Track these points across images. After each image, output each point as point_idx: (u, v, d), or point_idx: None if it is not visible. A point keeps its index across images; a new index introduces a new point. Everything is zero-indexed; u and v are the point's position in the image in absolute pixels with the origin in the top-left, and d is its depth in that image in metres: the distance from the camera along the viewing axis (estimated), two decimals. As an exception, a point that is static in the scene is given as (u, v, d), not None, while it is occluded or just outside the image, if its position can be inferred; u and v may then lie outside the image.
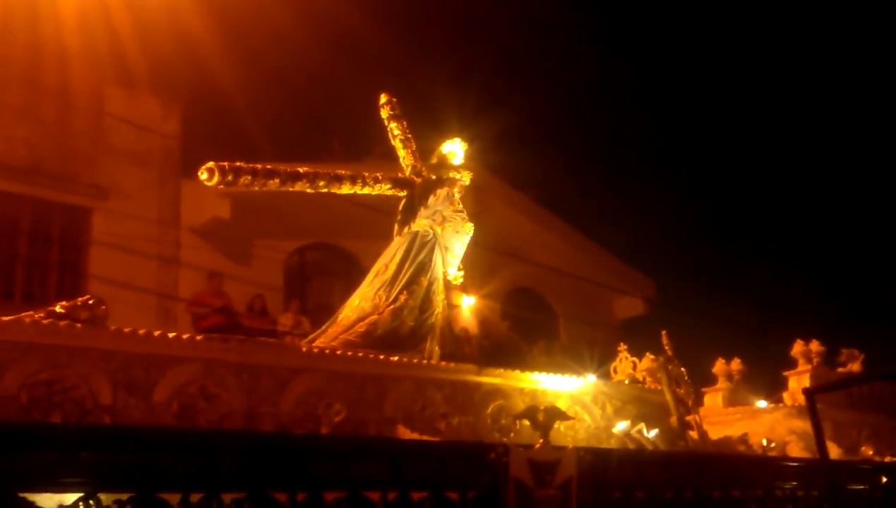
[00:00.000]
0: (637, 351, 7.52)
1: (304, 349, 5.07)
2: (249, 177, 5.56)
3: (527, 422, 4.72)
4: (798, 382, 10.04)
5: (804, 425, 8.15)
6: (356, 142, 14.68)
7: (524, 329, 14.39)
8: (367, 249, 13.62)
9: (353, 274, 14.30)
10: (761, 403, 9.61)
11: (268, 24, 13.07)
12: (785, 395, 10.02)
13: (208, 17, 11.20)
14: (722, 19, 22.14)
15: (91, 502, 3.04)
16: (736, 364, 10.36)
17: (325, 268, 14.52)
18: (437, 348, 6.13)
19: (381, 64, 16.89)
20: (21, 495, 2.93)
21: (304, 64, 14.35)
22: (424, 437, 4.73)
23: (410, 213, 6.44)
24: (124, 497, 3.15)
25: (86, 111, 11.90)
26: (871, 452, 8.61)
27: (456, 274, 6.66)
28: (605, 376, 7.57)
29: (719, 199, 21.56)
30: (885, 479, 6.30)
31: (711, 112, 21.85)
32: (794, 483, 5.53)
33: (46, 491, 3.00)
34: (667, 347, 6.96)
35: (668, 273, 17.89)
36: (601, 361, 10.14)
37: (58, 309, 4.06)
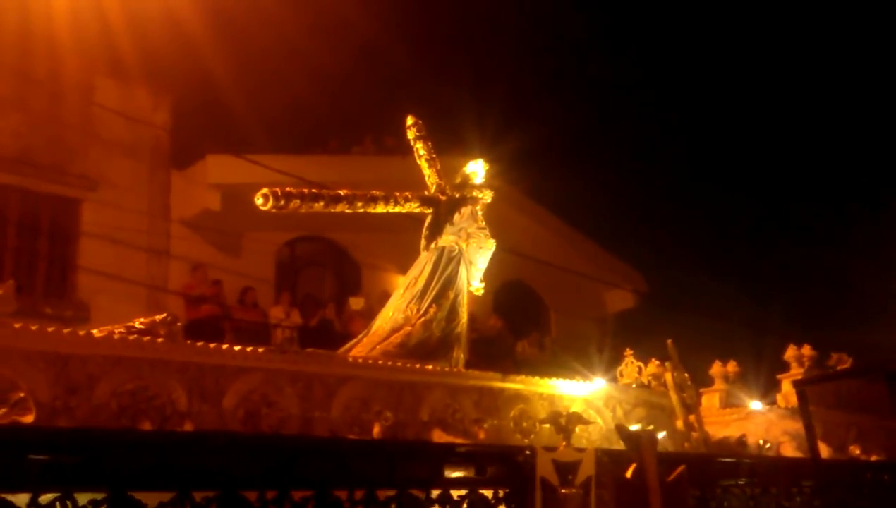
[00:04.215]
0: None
1: (349, 359, 5.56)
2: (298, 201, 6.00)
3: (547, 426, 5.17)
4: (791, 385, 10.49)
5: (797, 426, 8.62)
6: (348, 133, 14.83)
7: (515, 322, 14.68)
8: (356, 242, 13.99)
9: (343, 266, 14.60)
10: (755, 404, 10.03)
11: (260, 13, 12.90)
12: (778, 397, 10.48)
13: (200, 7, 11.25)
14: (721, 19, 22.44)
15: (185, 500, 3.49)
16: (732, 366, 10.79)
17: (316, 261, 14.68)
18: (462, 356, 6.63)
19: (376, 54, 16.93)
20: (129, 493, 3.36)
21: (296, 54, 14.28)
22: (458, 440, 5.18)
23: (437, 230, 6.93)
24: (211, 494, 3.59)
25: (75, 101, 11.86)
26: (857, 451, 9.10)
27: (478, 287, 7.13)
28: (612, 380, 7.99)
29: (715, 193, 21.72)
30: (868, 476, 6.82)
31: (708, 103, 22.02)
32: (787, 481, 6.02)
33: (147, 490, 3.43)
34: (672, 354, 7.44)
35: (659, 267, 18.20)
36: (591, 356, 10.42)
37: (137, 324, 4.49)
